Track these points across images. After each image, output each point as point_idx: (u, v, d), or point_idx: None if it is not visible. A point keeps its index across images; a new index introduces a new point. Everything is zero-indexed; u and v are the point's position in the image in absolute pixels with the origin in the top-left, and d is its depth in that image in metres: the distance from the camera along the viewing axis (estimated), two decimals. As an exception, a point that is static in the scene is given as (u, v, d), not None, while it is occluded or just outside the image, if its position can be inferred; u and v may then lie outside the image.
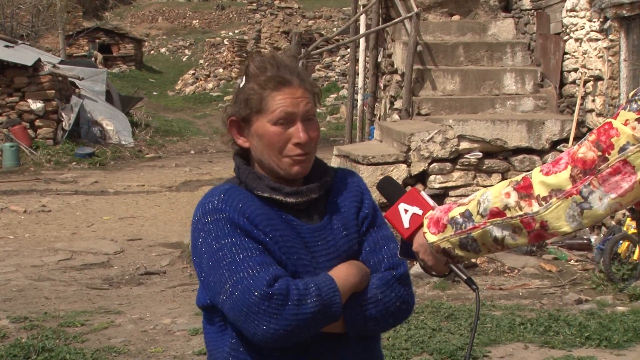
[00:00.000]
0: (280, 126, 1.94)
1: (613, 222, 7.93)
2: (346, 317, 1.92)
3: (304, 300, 1.84)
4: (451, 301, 6.55)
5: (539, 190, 1.68)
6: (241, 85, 2.01)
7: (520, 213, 1.70)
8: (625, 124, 1.60)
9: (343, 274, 1.93)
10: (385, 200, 2.00)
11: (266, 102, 1.95)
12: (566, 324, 5.59)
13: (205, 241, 1.93)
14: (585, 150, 1.64)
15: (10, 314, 6.34)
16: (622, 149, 1.60)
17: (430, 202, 1.93)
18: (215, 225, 1.91)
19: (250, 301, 1.82)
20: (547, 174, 1.68)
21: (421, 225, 1.89)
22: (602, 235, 8.02)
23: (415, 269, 6.98)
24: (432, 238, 1.85)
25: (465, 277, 1.92)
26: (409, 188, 2.02)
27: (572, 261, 7.85)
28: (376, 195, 2.11)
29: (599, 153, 1.62)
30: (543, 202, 1.67)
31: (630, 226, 7.41)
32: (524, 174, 1.73)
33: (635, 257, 7.09)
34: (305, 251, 1.96)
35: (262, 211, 1.94)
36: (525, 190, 1.70)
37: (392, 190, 1.99)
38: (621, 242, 7.16)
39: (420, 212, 1.91)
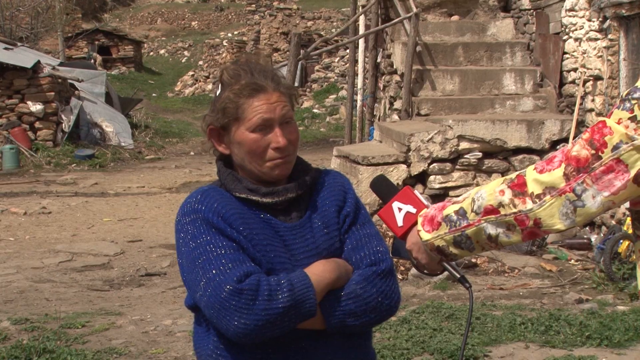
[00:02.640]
0: (259, 133, 1.98)
1: (613, 222, 7.93)
2: (324, 313, 1.94)
3: (275, 296, 1.86)
4: (452, 301, 6.55)
5: (532, 188, 1.68)
6: (217, 93, 2.05)
7: (514, 210, 1.70)
8: (619, 123, 1.61)
9: (319, 270, 1.95)
10: (379, 199, 2.00)
11: (242, 110, 1.98)
12: (567, 324, 5.59)
13: (184, 241, 1.99)
14: (579, 148, 1.65)
15: (11, 315, 6.34)
16: (616, 148, 1.60)
17: (424, 200, 1.93)
18: (192, 225, 1.98)
19: (221, 297, 1.86)
20: (541, 171, 1.68)
21: (415, 224, 1.90)
22: (602, 235, 8.03)
23: (415, 269, 6.99)
24: (426, 236, 1.85)
25: (458, 276, 1.93)
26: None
27: (573, 261, 7.85)
28: (374, 197, 2.12)
29: (593, 151, 1.63)
30: (537, 200, 1.67)
31: (630, 225, 7.42)
32: (518, 172, 1.74)
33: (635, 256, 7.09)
34: (284, 249, 1.98)
35: (238, 211, 1.99)
36: (519, 188, 1.70)
37: (385, 189, 2.00)
38: (621, 241, 7.16)
39: (414, 210, 1.91)
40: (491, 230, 1.75)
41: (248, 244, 1.94)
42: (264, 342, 1.93)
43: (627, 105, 1.62)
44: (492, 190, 1.75)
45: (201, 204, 1.99)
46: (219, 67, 1.98)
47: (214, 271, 1.89)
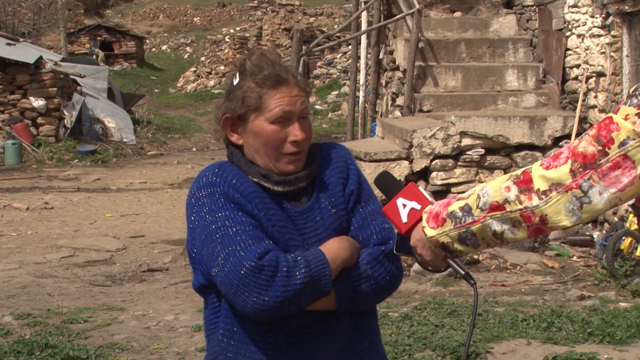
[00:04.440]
0: (278, 125, 1.98)
1: (616, 219, 7.92)
2: (337, 293, 1.95)
3: (293, 272, 1.87)
4: (453, 298, 6.55)
5: (538, 184, 1.67)
6: (235, 82, 2.03)
7: (520, 207, 1.69)
8: (626, 119, 1.60)
9: (334, 247, 1.96)
10: (383, 195, 2.00)
11: (264, 100, 1.98)
12: (569, 320, 5.59)
13: (198, 215, 1.96)
14: (586, 144, 1.64)
15: (14, 310, 6.35)
16: (623, 144, 1.60)
17: (429, 197, 1.93)
18: (209, 199, 1.95)
19: (241, 273, 1.85)
20: (547, 168, 1.68)
21: (419, 220, 1.89)
22: (604, 232, 8.02)
23: (418, 265, 6.98)
24: (431, 232, 1.85)
25: (463, 272, 1.92)
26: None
27: (575, 257, 7.84)
28: (377, 193, 2.11)
29: (599, 147, 1.62)
30: (543, 196, 1.67)
31: (632, 222, 7.41)
32: (523, 168, 1.73)
33: (637, 253, 7.09)
34: (296, 232, 1.99)
35: (255, 189, 1.98)
36: (525, 184, 1.70)
37: (390, 185, 1.99)
38: (624, 238, 7.15)
39: (418, 207, 1.91)
40: (497, 226, 1.74)
41: (267, 222, 1.94)
42: (273, 327, 1.93)
43: (635, 101, 1.61)
44: (497, 186, 1.75)
45: (219, 177, 1.97)
46: (235, 59, 1.94)
47: (233, 247, 1.87)
